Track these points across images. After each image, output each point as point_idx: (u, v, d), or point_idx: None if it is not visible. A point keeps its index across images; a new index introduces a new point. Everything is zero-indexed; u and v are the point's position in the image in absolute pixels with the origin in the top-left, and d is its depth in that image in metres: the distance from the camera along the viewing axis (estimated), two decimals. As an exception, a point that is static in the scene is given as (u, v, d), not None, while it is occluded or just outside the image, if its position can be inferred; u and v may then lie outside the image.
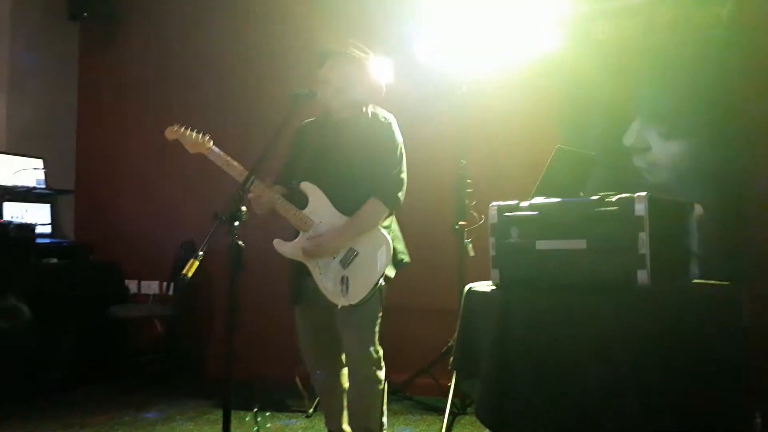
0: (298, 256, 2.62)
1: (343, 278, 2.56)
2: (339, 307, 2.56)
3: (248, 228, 2.17)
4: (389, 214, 2.70)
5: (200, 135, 2.65)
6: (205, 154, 2.64)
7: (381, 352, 2.69)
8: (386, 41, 4.29)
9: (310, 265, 2.62)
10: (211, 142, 2.65)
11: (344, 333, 2.65)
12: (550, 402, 2.18)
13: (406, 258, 2.76)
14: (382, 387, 2.69)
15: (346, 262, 2.59)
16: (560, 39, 3.75)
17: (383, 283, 2.63)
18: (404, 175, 2.68)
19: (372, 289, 2.58)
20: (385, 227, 2.68)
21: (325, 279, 2.60)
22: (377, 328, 2.67)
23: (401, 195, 2.66)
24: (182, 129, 2.66)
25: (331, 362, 2.77)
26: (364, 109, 2.72)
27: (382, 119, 2.70)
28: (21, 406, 3.82)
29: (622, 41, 3.76)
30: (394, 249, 2.66)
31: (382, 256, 2.62)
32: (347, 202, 2.62)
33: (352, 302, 2.55)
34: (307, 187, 2.65)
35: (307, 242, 2.60)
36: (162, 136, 2.72)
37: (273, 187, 2.68)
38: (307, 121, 2.83)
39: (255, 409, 3.51)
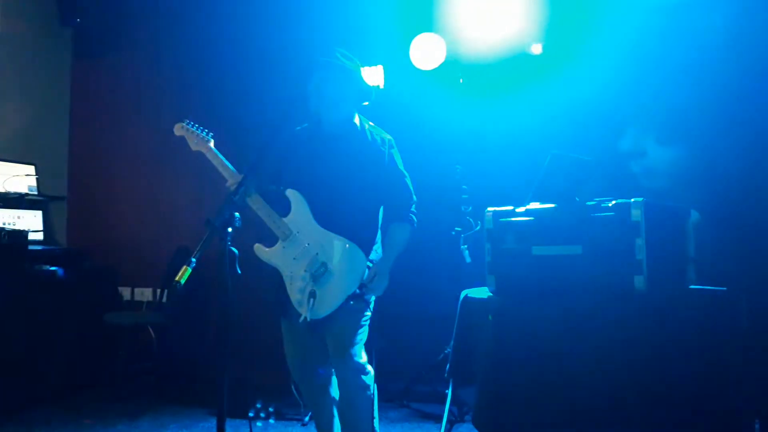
0: (274, 263, 2.60)
1: (311, 292, 2.52)
2: (302, 318, 2.52)
3: (243, 235, 2.15)
4: None
5: (204, 133, 2.67)
6: (203, 152, 2.65)
7: (366, 358, 2.66)
8: (380, 47, 4.33)
9: (282, 272, 2.60)
10: (212, 142, 2.66)
11: (327, 340, 2.63)
12: (547, 409, 2.17)
13: None
14: (371, 393, 2.66)
15: (316, 276, 2.54)
16: (556, 45, 3.76)
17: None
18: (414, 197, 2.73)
19: (337, 308, 2.54)
20: (377, 246, 2.67)
21: (294, 288, 2.57)
22: (362, 336, 2.63)
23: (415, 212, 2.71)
24: (189, 126, 2.68)
25: (318, 373, 2.74)
26: (357, 122, 2.70)
27: (381, 140, 2.69)
28: (14, 414, 3.77)
29: (617, 47, 3.77)
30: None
31: (354, 277, 2.56)
32: (329, 216, 2.59)
33: (315, 317, 2.51)
34: (292, 194, 2.63)
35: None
36: (155, 142, 2.70)
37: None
38: (300, 127, 2.80)
39: (251, 415, 3.48)
